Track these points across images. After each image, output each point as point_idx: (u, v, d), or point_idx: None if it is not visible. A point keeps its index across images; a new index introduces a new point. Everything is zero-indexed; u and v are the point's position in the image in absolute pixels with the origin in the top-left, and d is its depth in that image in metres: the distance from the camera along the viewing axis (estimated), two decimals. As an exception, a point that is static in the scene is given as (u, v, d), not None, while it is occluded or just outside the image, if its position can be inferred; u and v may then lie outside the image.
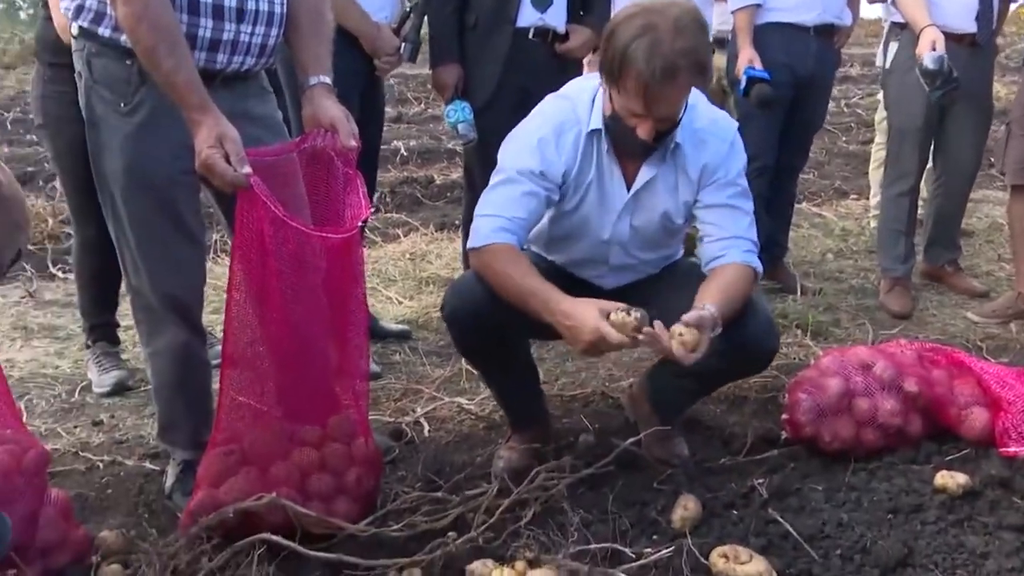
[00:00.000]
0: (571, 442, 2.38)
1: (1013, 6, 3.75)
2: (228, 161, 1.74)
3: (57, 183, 4.95)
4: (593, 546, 1.80)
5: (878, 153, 4.44)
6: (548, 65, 3.07)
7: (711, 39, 2.02)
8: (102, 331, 2.93)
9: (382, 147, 3.92)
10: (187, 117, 1.77)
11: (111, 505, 2.15)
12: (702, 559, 1.81)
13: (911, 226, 3.65)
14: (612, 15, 3.15)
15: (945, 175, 3.66)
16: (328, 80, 1.96)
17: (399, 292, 3.77)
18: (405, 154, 6.58)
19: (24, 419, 2.54)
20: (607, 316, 1.79)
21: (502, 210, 1.99)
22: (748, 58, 3.42)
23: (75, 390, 2.84)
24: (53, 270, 4.00)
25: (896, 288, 3.58)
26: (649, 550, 1.81)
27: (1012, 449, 2.19)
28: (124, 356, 2.97)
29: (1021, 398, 2.25)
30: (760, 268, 2.09)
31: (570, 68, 3.12)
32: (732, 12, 3.54)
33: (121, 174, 1.90)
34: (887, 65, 3.60)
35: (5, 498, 1.64)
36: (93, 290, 2.91)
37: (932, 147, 3.59)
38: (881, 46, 3.80)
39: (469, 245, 2.03)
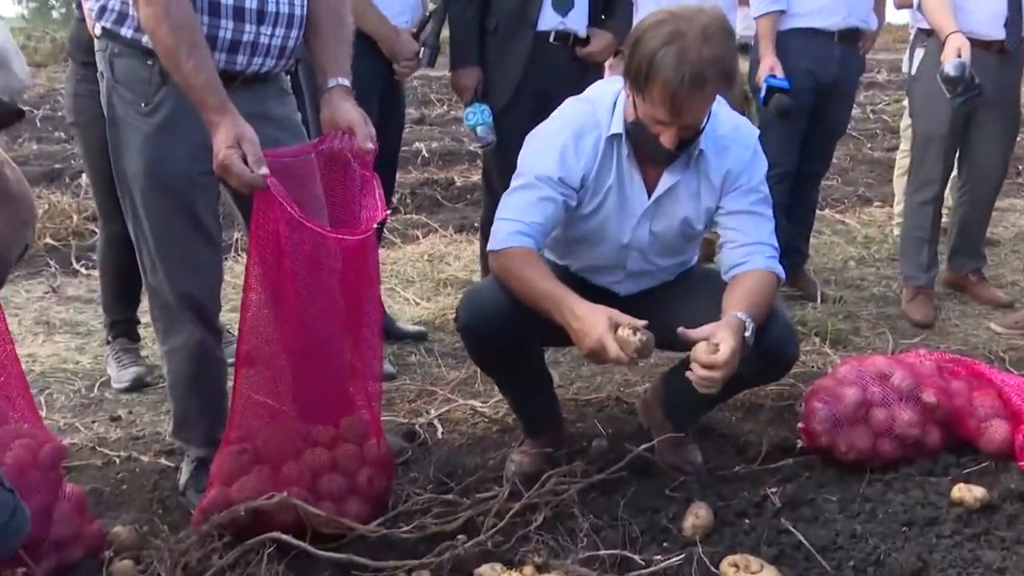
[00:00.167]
0: (584, 447, 2.38)
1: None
2: (246, 162, 1.75)
3: (83, 180, 5.04)
4: (602, 552, 1.80)
5: (903, 160, 4.39)
6: (568, 69, 3.06)
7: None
8: (123, 327, 2.97)
9: (403, 148, 3.95)
10: (206, 118, 1.78)
11: (126, 500, 2.17)
12: (712, 568, 1.80)
13: (935, 234, 3.60)
14: (635, 20, 3.19)
15: (970, 183, 3.61)
16: (347, 82, 1.97)
17: (416, 293, 3.78)
18: (426, 156, 6.60)
19: (44, 413, 2.59)
20: (615, 328, 1.79)
21: (521, 214, 1.99)
22: (769, 66, 3.40)
23: (94, 385, 2.87)
24: (77, 266, 4.04)
25: (918, 297, 3.54)
26: (659, 557, 1.81)
27: (1032, 463, 2.16)
28: (143, 353, 3.00)
29: (1042, 411, 2.22)
30: (783, 275, 2.08)
31: (591, 72, 3.11)
32: (755, 18, 3.52)
33: (141, 174, 1.92)
34: (912, 72, 3.56)
35: (21, 492, 1.66)
36: (116, 286, 2.95)
37: (957, 154, 3.55)
38: (907, 52, 3.76)
39: (488, 248, 2.04)
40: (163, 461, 2.33)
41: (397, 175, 3.61)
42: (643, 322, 1.80)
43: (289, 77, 2.14)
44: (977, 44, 3.22)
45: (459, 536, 1.82)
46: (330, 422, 2.00)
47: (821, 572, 1.83)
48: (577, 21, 3.08)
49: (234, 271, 3.49)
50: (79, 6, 2.71)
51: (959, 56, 3.12)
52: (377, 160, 1.97)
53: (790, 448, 2.34)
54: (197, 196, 1.96)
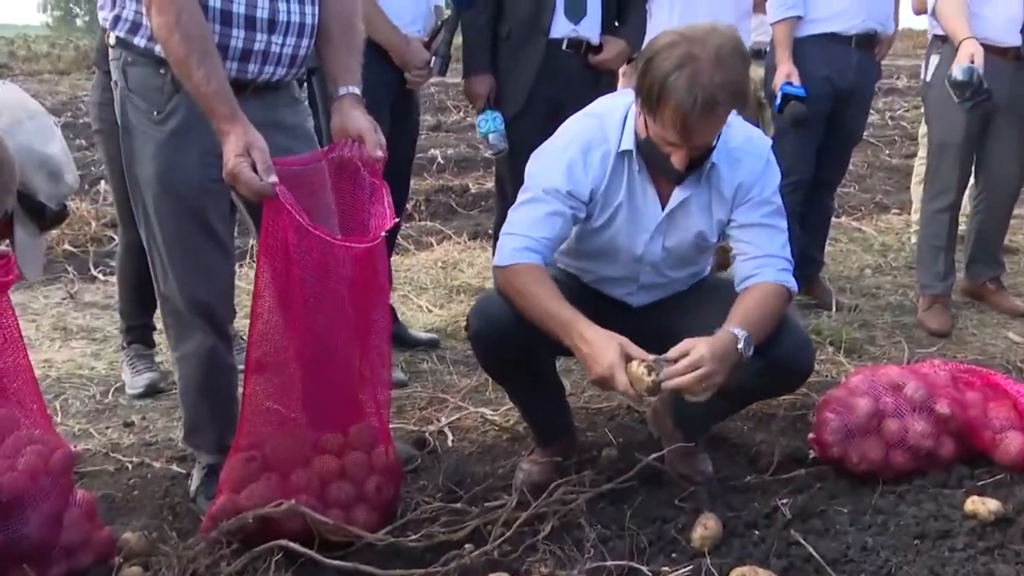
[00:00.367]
0: (594, 456, 2.37)
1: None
2: (255, 170, 1.76)
3: (101, 187, 5.09)
4: (609, 563, 1.79)
5: (921, 167, 4.35)
6: (581, 76, 3.06)
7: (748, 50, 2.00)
8: (138, 333, 2.99)
9: (418, 155, 3.94)
10: (216, 127, 1.79)
11: (137, 507, 2.18)
12: (721, 580, 1.78)
13: (951, 242, 3.57)
14: (647, 30, 3.18)
15: (987, 191, 3.58)
16: (357, 91, 1.98)
17: (430, 300, 3.79)
18: (442, 162, 6.62)
19: (59, 419, 2.62)
20: (628, 360, 1.78)
21: (528, 229, 1.98)
22: (786, 73, 3.38)
23: (109, 391, 2.89)
24: (94, 272, 4.08)
25: (935, 306, 3.50)
26: (666, 569, 1.80)
27: (1048, 476, 2.14)
28: (158, 359, 3.02)
29: (1059, 423, 2.19)
30: (795, 287, 2.06)
31: (603, 80, 3.11)
32: (771, 24, 3.51)
33: (153, 181, 1.94)
34: (928, 78, 3.53)
35: (32, 498, 1.68)
36: (133, 292, 2.97)
37: (974, 162, 3.52)
38: (924, 58, 3.73)
39: (493, 263, 2.04)
40: (175, 467, 2.34)
41: (412, 182, 3.62)
42: (654, 357, 1.80)
43: (305, 87, 2.15)
44: (993, 51, 3.19)
45: (466, 545, 1.82)
46: (339, 430, 2.01)
47: (831, 585, 1.81)
48: (590, 29, 3.08)
49: (249, 278, 3.51)
50: None
51: (971, 61, 3.09)
52: (389, 169, 1.98)
53: (802, 459, 2.32)
54: (208, 203, 1.97)
